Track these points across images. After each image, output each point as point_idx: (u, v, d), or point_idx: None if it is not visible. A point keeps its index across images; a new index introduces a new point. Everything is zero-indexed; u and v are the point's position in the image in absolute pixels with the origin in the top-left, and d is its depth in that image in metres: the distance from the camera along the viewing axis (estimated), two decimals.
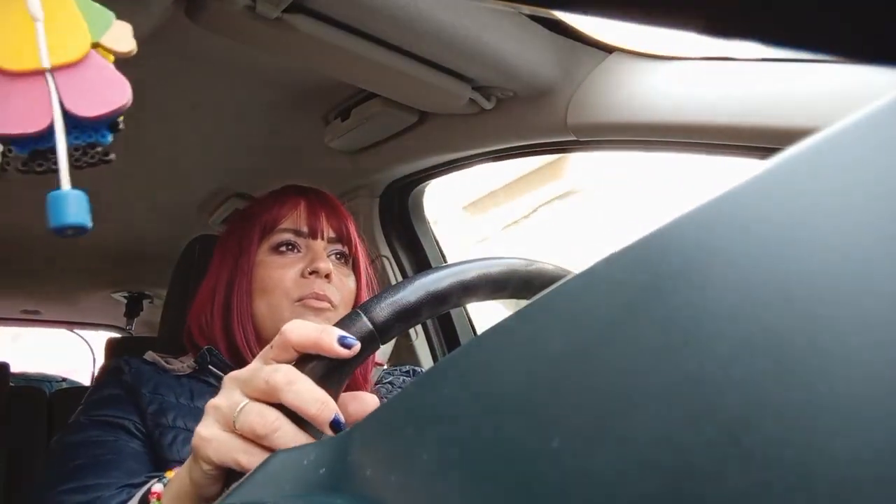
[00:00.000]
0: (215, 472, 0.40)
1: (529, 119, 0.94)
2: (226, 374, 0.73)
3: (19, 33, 0.25)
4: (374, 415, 0.28)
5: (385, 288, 0.43)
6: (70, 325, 2.80)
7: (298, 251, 0.79)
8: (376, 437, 0.27)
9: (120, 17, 0.28)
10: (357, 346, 0.39)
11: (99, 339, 2.88)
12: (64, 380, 2.80)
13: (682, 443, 0.16)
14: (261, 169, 1.32)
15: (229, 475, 0.40)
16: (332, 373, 0.40)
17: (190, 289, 0.84)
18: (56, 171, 0.25)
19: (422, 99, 0.96)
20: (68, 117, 0.25)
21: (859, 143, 0.16)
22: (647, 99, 0.79)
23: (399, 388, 0.86)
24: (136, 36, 0.27)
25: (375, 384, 0.85)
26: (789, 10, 0.18)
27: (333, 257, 0.81)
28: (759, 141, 0.70)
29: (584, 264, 0.21)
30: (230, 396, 0.41)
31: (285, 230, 0.79)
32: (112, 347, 1.72)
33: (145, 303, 2.28)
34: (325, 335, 0.39)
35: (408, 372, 0.92)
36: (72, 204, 0.24)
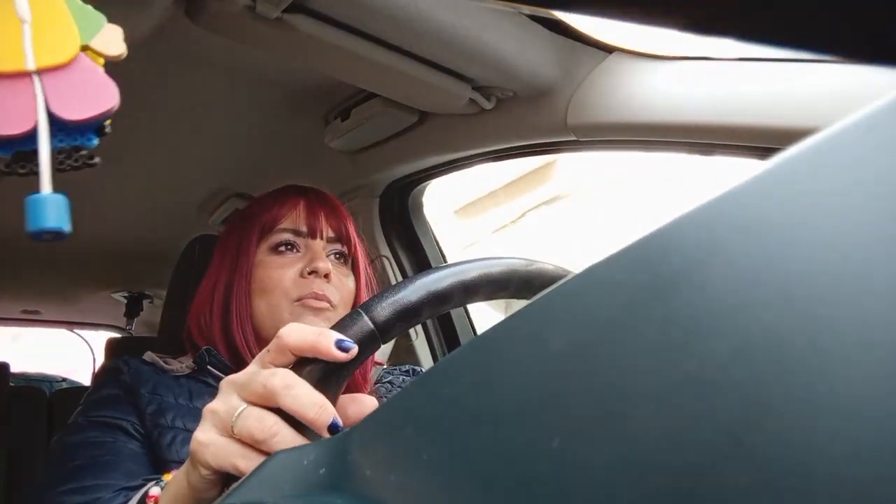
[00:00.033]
0: (213, 476, 0.40)
1: (529, 119, 0.94)
2: (225, 374, 0.74)
3: (6, 34, 0.25)
4: (374, 415, 0.28)
5: (386, 287, 0.43)
6: (70, 325, 2.80)
7: (298, 251, 0.79)
8: (376, 437, 0.27)
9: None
10: (354, 349, 0.39)
11: (99, 339, 2.88)
12: (64, 380, 2.80)
13: (682, 442, 0.16)
14: (261, 169, 1.32)
15: (227, 480, 0.40)
16: (329, 376, 0.40)
17: (190, 289, 0.84)
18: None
19: (422, 99, 0.96)
20: (54, 120, 0.25)
21: (859, 143, 0.16)
22: (647, 99, 0.79)
23: (399, 387, 0.86)
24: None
25: (375, 383, 0.85)
26: (789, 9, 0.18)
27: (333, 257, 0.81)
28: (759, 141, 0.70)
29: (583, 264, 0.21)
30: (228, 401, 0.40)
31: (284, 230, 0.79)
32: (112, 347, 1.72)
33: (145, 303, 2.28)
34: (323, 338, 0.39)
35: (407, 371, 0.92)
36: (51, 208, 0.24)
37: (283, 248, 0.78)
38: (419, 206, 1.34)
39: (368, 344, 0.41)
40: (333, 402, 0.41)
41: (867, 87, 0.62)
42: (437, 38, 0.78)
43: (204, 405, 0.42)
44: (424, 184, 1.28)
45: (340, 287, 0.78)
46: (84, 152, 0.27)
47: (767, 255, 0.16)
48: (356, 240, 0.84)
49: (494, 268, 0.46)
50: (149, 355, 0.80)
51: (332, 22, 0.76)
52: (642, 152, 0.86)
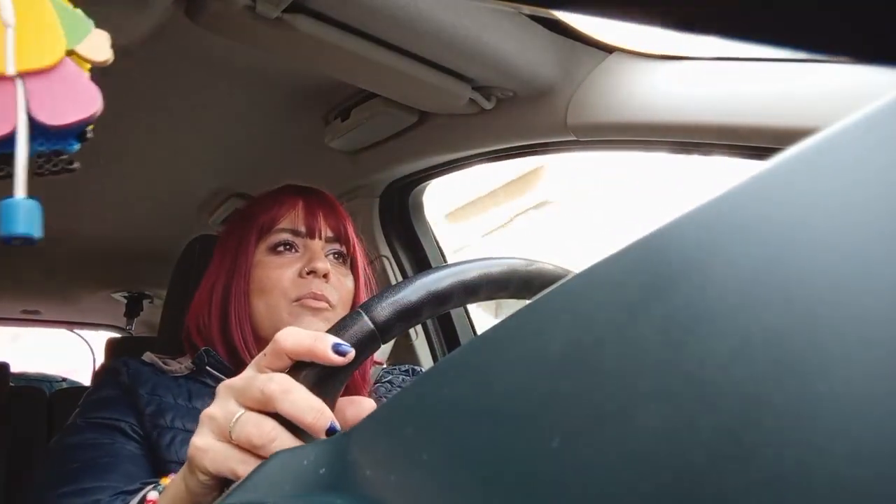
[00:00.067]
0: (212, 482, 0.40)
1: (529, 119, 0.94)
2: (224, 374, 0.74)
3: None
4: (374, 415, 0.28)
5: (386, 287, 0.43)
6: (70, 325, 2.80)
7: (296, 251, 0.79)
8: (376, 436, 0.27)
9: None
10: (351, 353, 0.39)
11: (99, 339, 2.88)
12: (64, 380, 2.80)
13: (682, 442, 0.16)
14: (261, 169, 1.32)
15: (225, 485, 0.40)
16: (326, 379, 0.40)
17: (190, 289, 0.84)
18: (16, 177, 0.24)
19: (422, 99, 0.96)
20: (35, 124, 0.25)
21: (859, 143, 0.16)
22: (647, 99, 0.79)
23: (398, 387, 0.86)
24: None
25: (375, 383, 0.85)
26: (789, 9, 0.18)
27: (331, 257, 0.81)
28: (759, 141, 0.70)
29: (583, 264, 0.21)
30: (225, 406, 0.40)
31: (283, 230, 0.79)
32: (112, 347, 1.73)
33: (145, 303, 2.28)
34: (320, 342, 0.39)
35: (407, 371, 0.91)
36: (22, 213, 0.24)
37: (281, 249, 0.78)
38: (419, 206, 1.34)
39: (368, 344, 0.41)
40: (332, 405, 0.41)
41: (867, 87, 0.62)
42: (437, 38, 0.78)
43: (203, 405, 0.42)
44: (424, 184, 1.28)
45: (339, 287, 0.78)
46: (64, 157, 0.26)
47: (767, 255, 0.16)
48: (355, 240, 0.84)
49: (494, 268, 0.46)
50: (148, 356, 0.80)
51: (332, 22, 0.76)
52: (642, 152, 0.86)
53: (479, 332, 0.78)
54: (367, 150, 1.16)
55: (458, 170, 1.17)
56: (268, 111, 1.11)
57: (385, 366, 0.94)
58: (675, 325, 0.17)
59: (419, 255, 1.33)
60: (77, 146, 0.27)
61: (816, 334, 0.15)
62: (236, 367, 0.74)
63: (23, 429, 1.70)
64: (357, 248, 0.84)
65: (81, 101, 0.26)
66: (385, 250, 1.31)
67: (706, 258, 0.17)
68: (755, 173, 0.18)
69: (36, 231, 0.24)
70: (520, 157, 1.04)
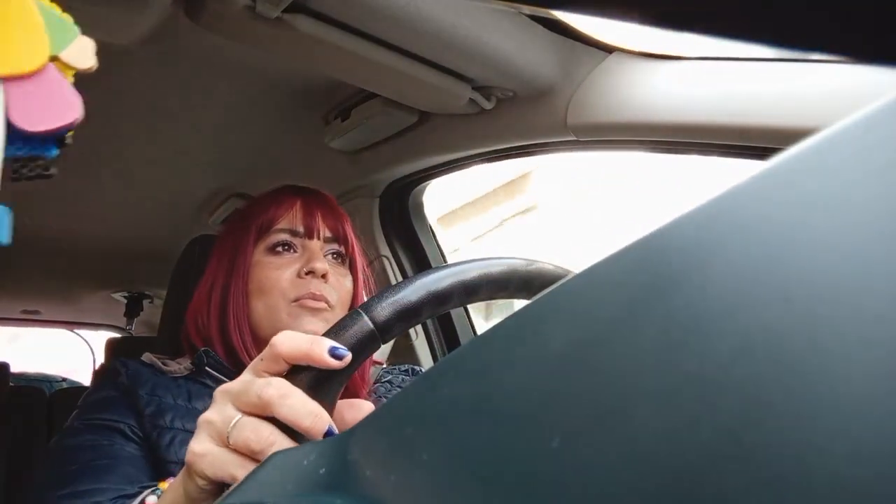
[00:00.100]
0: (210, 486, 0.40)
1: (529, 119, 0.94)
2: (223, 375, 0.74)
3: None
4: (374, 415, 0.28)
5: (386, 287, 0.43)
6: (70, 325, 2.80)
7: (295, 251, 0.79)
8: (376, 436, 0.27)
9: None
10: (348, 356, 0.39)
11: (99, 339, 2.88)
12: (64, 380, 2.80)
13: (683, 442, 0.16)
14: (261, 169, 1.32)
15: (224, 489, 0.40)
16: (323, 383, 0.40)
17: (190, 289, 0.84)
18: None
19: (422, 99, 0.96)
20: (13, 129, 0.25)
21: (859, 143, 0.16)
22: (647, 99, 0.79)
23: (398, 386, 0.86)
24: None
25: (374, 383, 0.85)
26: (790, 9, 0.18)
27: (330, 257, 0.81)
28: (759, 141, 0.70)
29: (583, 264, 0.21)
30: (223, 411, 0.40)
31: (281, 230, 0.79)
32: (112, 347, 1.73)
33: (145, 303, 2.28)
34: (316, 346, 0.39)
35: (407, 371, 0.91)
36: None
37: (280, 249, 0.78)
38: (419, 206, 1.34)
39: (368, 344, 0.41)
40: (330, 407, 0.41)
41: (867, 87, 0.62)
42: (437, 38, 0.78)
43: (203, 406, 0.42)
44: (424, 184, 1.28)
45: (338, 287, 0.78)
46: (41, 162, 0.26)
47: (767, 255, 0.16)
48: (353, 239, 0.84)
49: (494, 268, 0.46)
50: (147, 356, 0.80)
51: (332, 22, 0.76)
52: (642, 152, 0.86)
53: (479, 332, 0.78)
54: (367, 150, 1.16)
55: (458, 170, 1.17)
56: (268, 111, 1.11)
57: (385, 365, 0.94)
58: (675, 324, 0.17)
59: (419, 255, 1.33)
60: (55, 152, 0.27)
61: (816, 334, 0.15)
62: (235, 367, 0.74)
63: (23, 429, 1.70)
64: (356, 247, 0.84)
65: (61, 109, 0.26)
66: (385, 250, 1.31)
67: (706, 258, 0.17)
68: (755, 173, 0.18)
69: (4, 237, 0.24)
70: (520, 157, 1.04)
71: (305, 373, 0.40)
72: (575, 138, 0.90)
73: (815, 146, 0.17)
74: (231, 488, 0.34)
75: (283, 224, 0.79)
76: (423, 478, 0.22)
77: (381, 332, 0.41)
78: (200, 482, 0.40)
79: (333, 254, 0.81)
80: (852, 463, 0.13)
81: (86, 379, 2.88)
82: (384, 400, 0.81)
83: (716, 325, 0.16)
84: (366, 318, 0.41)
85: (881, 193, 0.15)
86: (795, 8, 0.18)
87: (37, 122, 0.25)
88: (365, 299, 0.84)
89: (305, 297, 0.74)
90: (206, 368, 0.75)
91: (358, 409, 0.44)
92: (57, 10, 0.27)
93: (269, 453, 0.37)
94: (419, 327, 1.29)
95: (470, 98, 0.92)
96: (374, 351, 0.42)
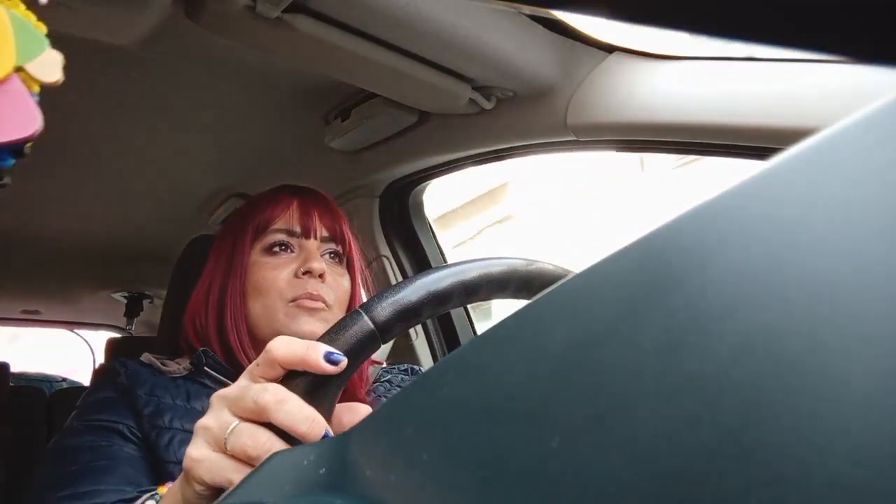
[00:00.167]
0: (208, 492, 0.40)
1: (529, 119, 0.94)
2: (222, 375, 0.74)
3: None
4: (374, 415, 0.28)
5: (386, 287, 0.43)
6: (70, 325, 2.80)
7: (292, 251, 0.79)
8: (376, 437, 0.27)
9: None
10: (344, 361, 0.39)
11: (99, 339, 2.88)
12: (64, 380, 2.80)
13: (683, 442, 0.16)
14: (261, 169, 1.32)
15: (222, 494, 0.40)
16: (320, 387, 0.40)
17: (190, 289, 0.84)
18: None
19: (422, 99, 0.96)
20: None
21: (859, 143, 0.16)
22: (647, 99, 0.79)
23: (398, 386, 0.86)
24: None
25: (373, 382, 0.85)
26: (790, 9, 0.18)
27: (327, 256, 0.81)
28: (759, 141, 0.70)
29: (584, 264, 0.21)
30: (219, 416, 0.41)
31: (278, 230, 0.79)
32: (112, 347, 1.72)
33: (145, 303, 2.28)
34: (312, 351, 0.39)
35: (406, 370, 0.91)
36: None
37: (277, 249, 0.78)
38: (419, 206, 1.34)
39: (368, 344, 0.41)
40: (328, 411, 0.41)
41: (867, 87, 0.62)
42: (437, 38, 0.78)
43: (202, 406, 0.42)
44: (424, 184, 1.28)
45: (336, 287, 0.78)
46: None
47: (767, 255, 0.16)
48: (351, 239, 0.83)
49: (494, 268, 0.46)
50: (146, 357, 0.80)
51: (332, 22, 0.76)
52: (642, 152, 0.86)
53: (479, 332, 0.78)
54: (367, 150, 1.16)
55: (458, 170, 1.17)
56: (268, 111, 1.11)
57: (384, 365, 0.94)
58: (675, 324, 0.17)
59: (419, 255, 1.33)
60: (12, 162, 0.26)
61: (816, 334, 0.15)
62: (234, 367, 0.74)
63: (23, 429, 1.70)
64: (353, 247, 0.84)
65: (20, 121, 0.25)
66: (385, 250, 1.31)
67: (706, 258, 0.17)
68: (755, 173, 0.18)
69: None
70: (520, 156, 1.04)
71: (301, 378, 0.40)
72: (575, 138, 0.90)
73: (815, 146, 0.17)
74: (230, 489, 0.34)
75: (279, 224, 0.79)
76: (423, 478, 0.22)
77: (382, 332, 0.41)
78: (198, 488, 0.40)
79: (331, 253, 0.81)
80: (852, 463, 0.13)
81: (86, 379, 2.88)
82: (383, 399, 0.81)
83: (716, 324, 0.16)
84: (366, 317, 0.41)
85: (881, 193, 0.15)
86: (795, 7, 0.18)
87: None
88: (363, 298, 0.84)
89: (303, 297, 0.74)
90: (205, 368, 0.75)
91: (356, 412, 0.44)
92: (32, 18, 0.26)
93: None
94: (419, 327, 1.29)
95: (470, 98, 0.92)
96: (375, 351, 0.42)
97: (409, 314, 0.42)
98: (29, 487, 0.66)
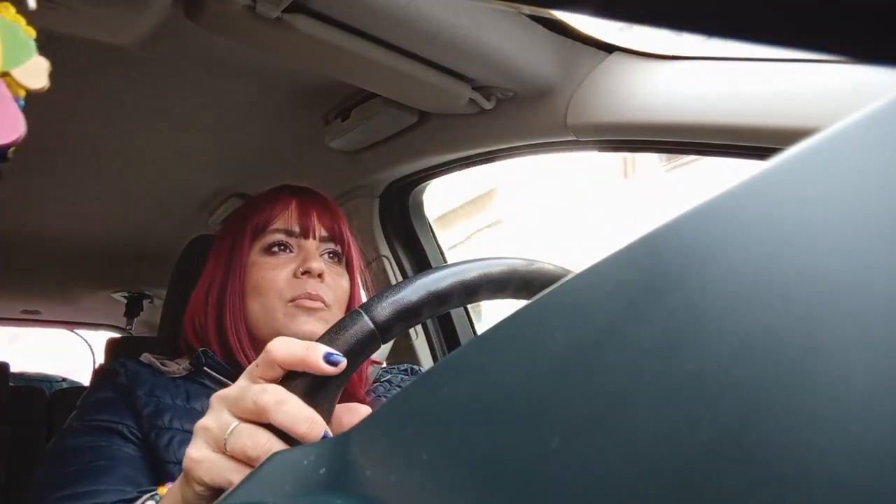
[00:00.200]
0: (207, 492, 0.40)
1: (529, 119, 0.94)
2: (221, 375, 0.74)
3: None
4: (374, 415, 0.28)
5: (386, 287, 0.43)
6: (70, 325, 2.80)
7: (291, 251, 0.79)
8: (376, 436, 0.27)
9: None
10: (343, 362, 0.39)
11: (99, 339, 2.88)
12: (64, 380, 2.80)
13: (682, 442, 0.16)
14: (261, 169, 1.32)
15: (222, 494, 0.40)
16: (320, 388, 0.40)
17: (190, 289, 0.84)
18: None
19: (422, 99, 0.96)
20: None
21: (859, 143, 0.16)
22: (647, 99, 0.79)
23: (397, 386, 0.86)
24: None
25: (373, 382, 0.85)
26: (790, 9, 0.18)
27: (326, 256, 0.81)
28: (759, 141, 0.70)
29: (583, 264, 0.21)
30: (219, 417, 0.41)
31: (277, 230, 0.79)
32: (112, 347, 1.72)
33: (145, 303, 2.28)
34: (311, 352, 0.39)
35: (406, 370, 0.91)
36: None
37: (275, 249, 0.78)
38: (419, 206, 1.34)
39: (368, 344, 0.41)
40: (328, 411, 0.41)
41: (867, 87, 0.62)
42: (437, 38, 0.78)
43: (201, 406, 0.42)
44: (424, 184, 1.28)
45: (334, 286, 0.78)
46: None
47: (767, 255, 0.16)
48: (349, 238, 0.83)
49: (494, 268, 0.46)
50: (146, 357, 0.80)
51: (332, 22, 0.76)
52: (642, 152, 0.86)
53: (479, 332, 0.78)
54: (367, 150, 1.16)
55: (458, 170, 1.17)
56: (268, 111, 1.11)
57: (384, 365, 0.94)
58: (675, 324, 0.17)
59: (419, 255, 1.33)
60: None
61: (816, 334, 0.15)
62: (233, 368, 0.74)
63: (23, 429, 1.70)
64: (352, 246, 0.84)
65: (4, 127, 0.25)
66: (385, 250, 1.31)
67: (706, 258, 0.17)
68: (755, 173, 0.18)
69: None
70: (520, 156, 1.04)
71: (301, 378, 0.40)
72: (575, 138, 0.90)
73: (815, 146, 0.17)
74: (230, 489, 0.34)
75: (278, 224, 0.79)
76: (423, 478, 0.22)
77: (382, 332, 0.41)
78: (198, 488, 0.40)
79: (329, 253, 0.81)
80: (852, 463, 0.13)
81: (86, 379, 2.88)
82: (383, 399, 0.81)
83: (716, 325, 0.16)
84: (366, 317, 0.41)
85: (881, 193, 0.15)
86: (795, 7, 0.18)
87: None
88: (362, 298, 0.84)
89: (302, 297, 0.74)
90: (205, 369, 0.75)
91: (356, 413, 0.44)
92: (22, 23, 0.26)
93: None
94: (419, 327, 1.29)
95: (470, 98, 0.92)
96: (375, 351, 0.42)
97: (409, 314, 0.42)
98: (29, 487, 0.66)
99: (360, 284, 0.85)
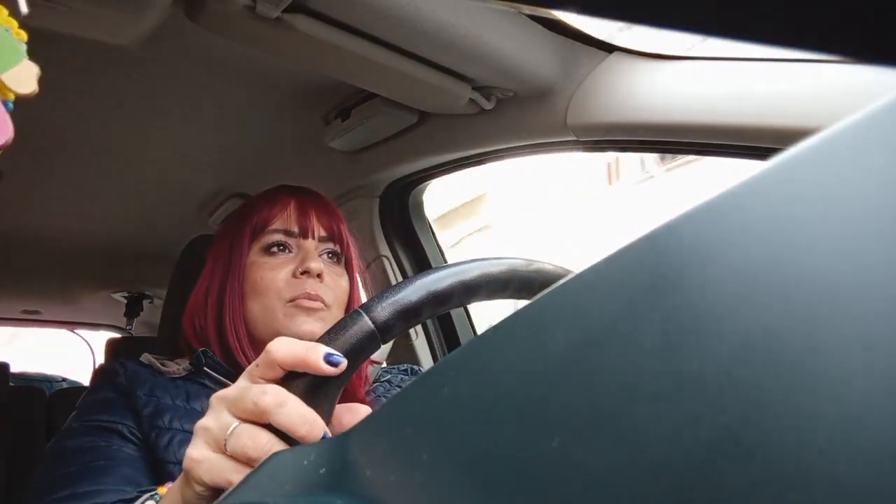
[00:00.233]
0: (208, 492, 0.40)
1: (529, 119, 0.94)
2: (221, 375, 0.74)
3: None
4: (374, 415, 0.28)
5: (386, 287, 0.43)
6: (70, 325, 2.80)
7: (290, 251, 0.79)
8: (376, 437, 0.27)
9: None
10: (343, 363, 0.39)
11: (99, 340, 2.88)
12: (64, 380, 2.80)
13: (683, 442, 0.16)
14: (261, 169, 1.32)
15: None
16: (320, 388, 0.40)
17: (190, 289, 0.84)
18: None
19: (422, 99, 0.96)
20: None
21: (859, 143, 0.16)
22: (647, 99, 0.79)
23: (397, 386, 0.86)
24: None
25: (373, 382, 0.85)
26: (790, 9, 0.18)
27: (325, 256, 0.81)
28: (759, 141, 0.70)
29: (584, 264, 0.21)
30: (219, 418, 0.41)
31: (276, 230, 0.79)
32: (112, 347, 1.72)
33: (145, 303, 2.28)
34: (312, 353, 0.39)
35: (406, 370, 0.91)
36: None
37: (275, 249, 0.78)
38: (419, 206, 1.34)
39: (368, 344, 0.41)
40: (328, 412, 0.41)
41: (867, 87, 0.62)
42: (437, 38, 0.78)
43: (201, 406, 0.42)
44: (424, 184, 1.28)
45: (334, 286, 0.78)
46: None
47: (767, 255, 0.16)
48: (349, 238, 0.84)
49: (494, 267, 0.46)
50: (146, 357, 0.80)
51: (332, 22, 0.76)
52: (642, 152, 0.87)
53: (479, 332, 0.78)
54: (367, 150, 1.16)
55: (458, 170, 1.17)
56: (268, 111, 1.11)
57: (384, 365, 0.94)
58: (675, 324, 0.17)
59: (419, 255, 1.33)
60: None
61: (816, 334, 0.15)
62: (233, 368, 0.74)
63: (23, 429, 1.70)
64: (351, 246, 0.84)
65: None
66: (385, 250, 1.31)
67: (706, 258, 0.17)
68: (755, 173, 0.18)
69: None
70: (520, 156, 1.04)
71: (301, 379, 0.40)
72: (575, 138, 0.90)
73: (815, 146, 0.17)
74: (230, 489, 0.34)
75: (277, 224, 0.79)
76: (423, 478, 0.22)
77: (382, 332, 0.41)
78: (198, 488, 0.40)
79: (329, 253, 0.81)
80: (852, 463, 0.13)
81: (86, 379, 2.88)
82: (383, 399, 0.81)
83: (716, 325, 0.16)
84: (366, 318, 0.41)
85: (881, 193, 0.15)
86: (796, 7, 0.18)
87: None
88: (361, 298, 0.84)
89: (301, 297, 0.74)
90: (205, 369, 0.75)
91: (356, 413, 0.44)
92: (14, 25, 0.26)
93: None
94: (419, 327, 1.29)
95: (470, 98, 0.92)
96: (375, 351, 0.42)
97: (409, 314, 0.42)
98: (29, 487, 0.66)
99: (360, 284, 0.85)
